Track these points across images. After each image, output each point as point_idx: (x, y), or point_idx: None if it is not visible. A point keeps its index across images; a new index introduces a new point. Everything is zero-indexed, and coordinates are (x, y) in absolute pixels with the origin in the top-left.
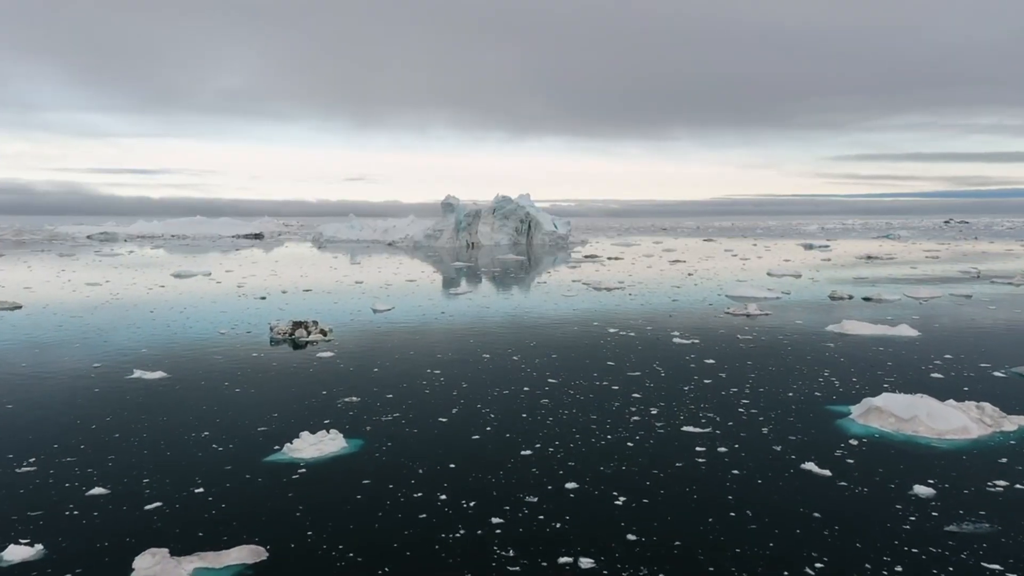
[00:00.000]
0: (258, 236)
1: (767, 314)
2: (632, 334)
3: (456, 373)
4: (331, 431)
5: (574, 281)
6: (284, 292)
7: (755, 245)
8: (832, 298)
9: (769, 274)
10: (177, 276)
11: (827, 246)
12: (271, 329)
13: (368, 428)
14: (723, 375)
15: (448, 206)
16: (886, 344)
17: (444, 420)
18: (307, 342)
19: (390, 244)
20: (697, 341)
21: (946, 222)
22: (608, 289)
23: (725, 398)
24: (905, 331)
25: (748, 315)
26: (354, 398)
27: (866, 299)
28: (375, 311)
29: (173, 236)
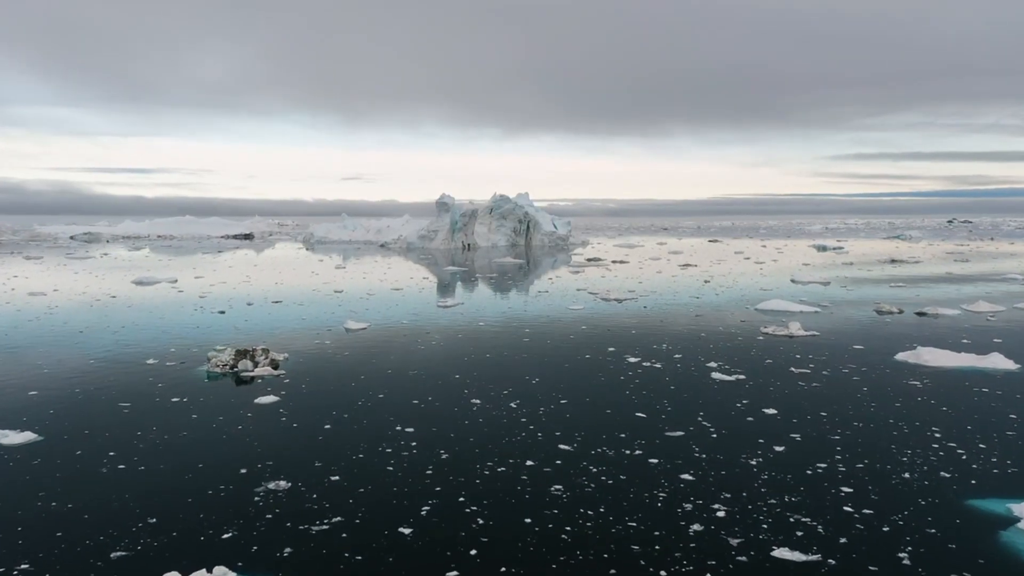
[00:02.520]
0: (248, 237)
1: (813, 334)
2: (658, 365)
3: (435, 433)
4: (215, 570)
5: (579, 290)
6: (249, 304)
7: (764, 247)
8: (879, 312)
9: (793, 281)
10: (138, 283)
11: (841, 248)
12: (208, 360)
13: (287, 551)
14: (797, 437)
15: (443, 205)
16: (988, 383)
17: (407, 531)
18: (252, 377)
19: (382, 246)
20: (742, 376)
21: (949, 222)
22: (619, 300)
23: (815, 483)
24: (1001, 363)
25: (791, 336)
26: (282, 483)
27: (920, 314)
28: (347, 330)
29: (160, 237)
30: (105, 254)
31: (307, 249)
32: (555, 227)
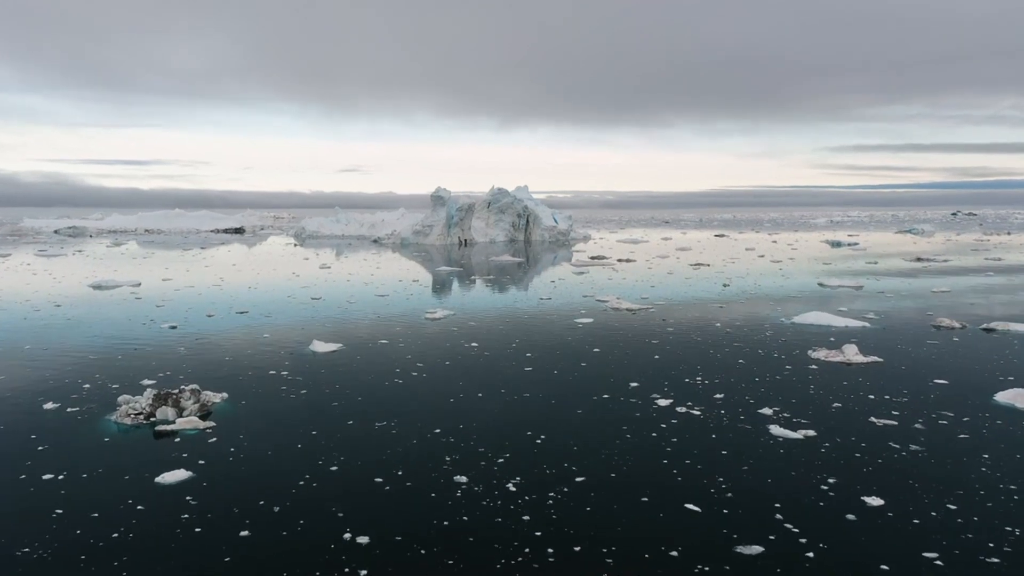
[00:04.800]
0: (238, 231)
1: (875, 361)
2: (697, 412)
3: (398, 546)
4: None
5: (585, 296)
6: (210, 316)
7: (775, 242)
8: (937, 328)
9: (820, 284)
10: (95, 287)
11: (856, 243)
12: (118, 408)
13: None
14: (934, 558)
15: (438, 199)
16: None
17: None
18: (172, 432)
19: (375, 241)
20: (811, 432)
21: (953, 214)
22: (631, 310)
23: None
24: None
25: (848, 363)
26: None
27: (987, 330)
28: (314, 353)
29: (147, 231)
30: (79, 250)
31: (297, 244)
32: (555, 221)
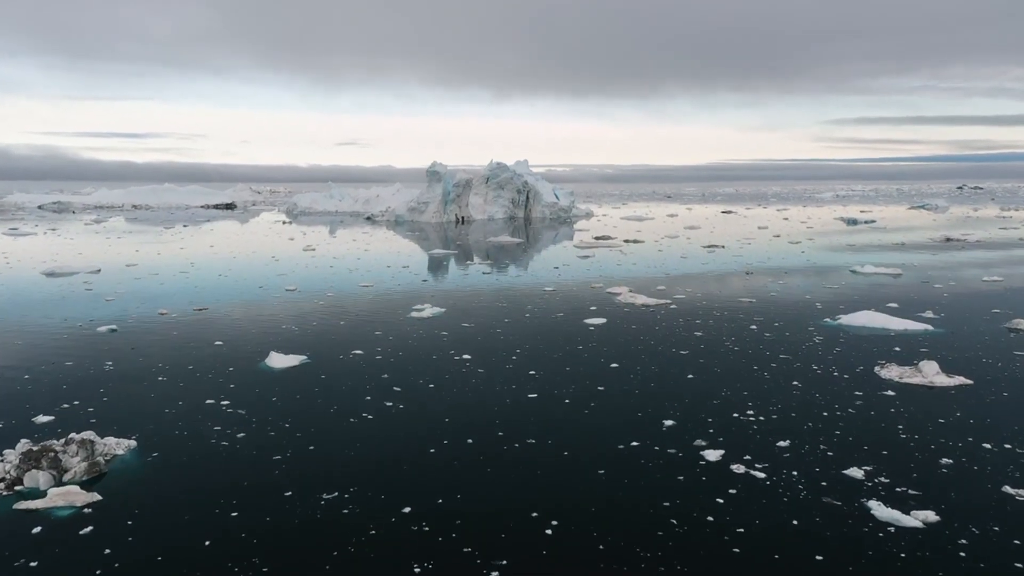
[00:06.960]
0: (229, 207)
1: (965, 384)
2: (760, 473)
3: None
4: None
5: (594, 286)
6: (162, 313)
7: (786, 219)
8: (1013, 331)
9: (853, 272)
10: (48, 275)
11: (872, 220)
12: None
13: None
14: None
15: (434, 174)
16: None
17: None
18: (35, 512)
19: (368, 219)
20: (932, 516)
21: (959, 188)
22: (647, 307)
23: None
24: None
25: (931, 386)
26: None
27: None
28: (270, 369)
29: (135, 207)
30: (53, 229)
31: (287, 222)
32: (557, 197)
